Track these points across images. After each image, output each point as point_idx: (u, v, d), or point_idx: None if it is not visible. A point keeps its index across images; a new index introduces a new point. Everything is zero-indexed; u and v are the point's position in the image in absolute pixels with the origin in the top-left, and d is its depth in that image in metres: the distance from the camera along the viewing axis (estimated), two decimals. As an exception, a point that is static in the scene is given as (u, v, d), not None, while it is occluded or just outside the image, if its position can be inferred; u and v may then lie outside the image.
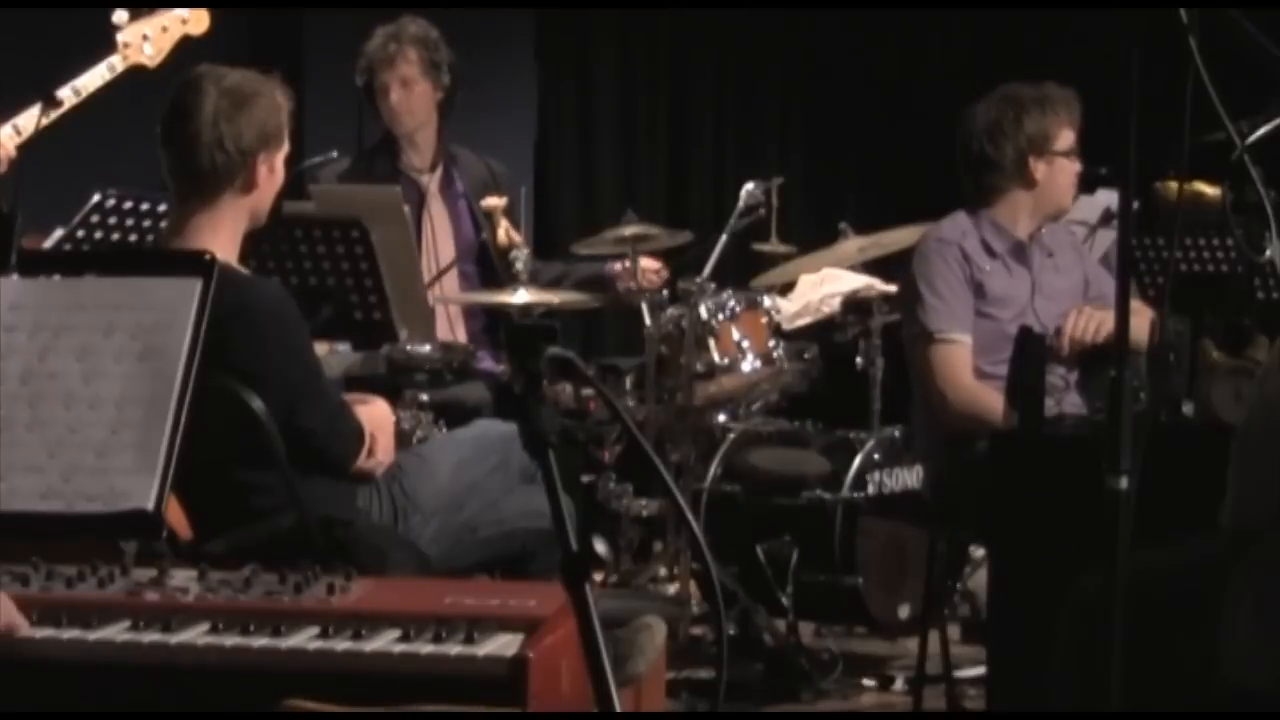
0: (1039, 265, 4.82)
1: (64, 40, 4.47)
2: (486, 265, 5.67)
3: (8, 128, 4.14)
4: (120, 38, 4.27)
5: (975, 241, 4.77)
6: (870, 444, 5.40)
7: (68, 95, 4.19)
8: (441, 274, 5.59)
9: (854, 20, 7.89)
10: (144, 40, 4.26)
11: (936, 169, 5.72)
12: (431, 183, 5.72)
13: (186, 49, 4.31)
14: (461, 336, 5.63)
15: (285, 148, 3.69)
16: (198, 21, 4.35)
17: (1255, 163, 3.05)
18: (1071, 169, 4.80)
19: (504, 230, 5.42)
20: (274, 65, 3.79)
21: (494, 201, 5.47)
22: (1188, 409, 4.05)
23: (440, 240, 5.69)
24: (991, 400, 4.45)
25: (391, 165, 5.68)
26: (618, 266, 5.71)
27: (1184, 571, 3.32)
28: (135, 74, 4.31)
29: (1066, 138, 4.76)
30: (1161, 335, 3.83)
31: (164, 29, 4.30)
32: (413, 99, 5.63)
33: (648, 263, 5.65)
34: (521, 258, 5.36)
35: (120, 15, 4.27)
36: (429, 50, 5.61)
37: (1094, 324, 4.66)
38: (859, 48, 8.07)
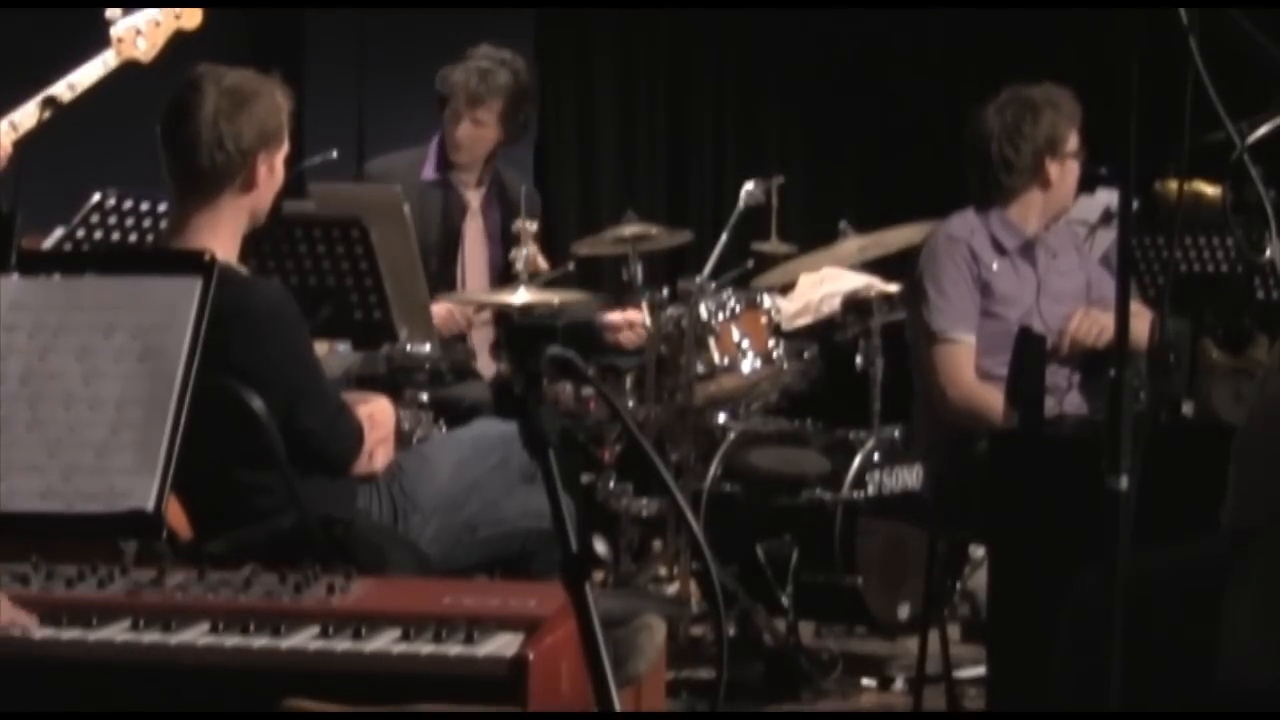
0: (1044, 266, 4.82)
1: (58, 37, 4.47)
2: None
3: (4, 124, 4.15)
4: (114, 33, 4.27)
5: (984, 239, 4.77)
6: (870, 444, 5.40)
7: (63, 91, 4.20)
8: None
9: (854, 20, 7.89)
10: (137, 35, 4.27)
11: (936, 168, 5.73)
12: (475, 199, 5.77)
13: (187, 49, 4.31)
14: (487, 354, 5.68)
15: (285, 148, 3.69)
16: (190, 17, 4.36)
17: (1255, 163, 3.05)
18: (1076, 169, 4.83)
19: (532, 254, 5.43)
20: (274, 65, 3.79)
21: (522, 225, 5.50)
22: (1188, 409, 4.05)
23: (471, 255, 5.73)
24: (992, 399, 4.45)
25: (443, 173, 5.73)
26: (614, 317, 5.73)
27: (1184, 571, 3.32)
28: (133, 73, 4.31)
29: (1074, 138, 4.79)
30: (1161, 335, 3.83)
31: (157, 24, 4.31)
32: (478, 139, 5.71)
33: (633, 315, 5.65)
34: (521, 258, 5.37)
35: (114, 12, 4.28)
36: (513, 104, 5.66)
37: (1097, 328, 4.66)
38: (859, 48, 8.07)
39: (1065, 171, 4.80)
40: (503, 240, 5.76)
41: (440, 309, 5.46)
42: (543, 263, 5.53)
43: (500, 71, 5.65)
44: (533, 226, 5.48)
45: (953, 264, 4.73)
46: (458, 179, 5.77)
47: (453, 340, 5.53)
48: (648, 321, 5.46)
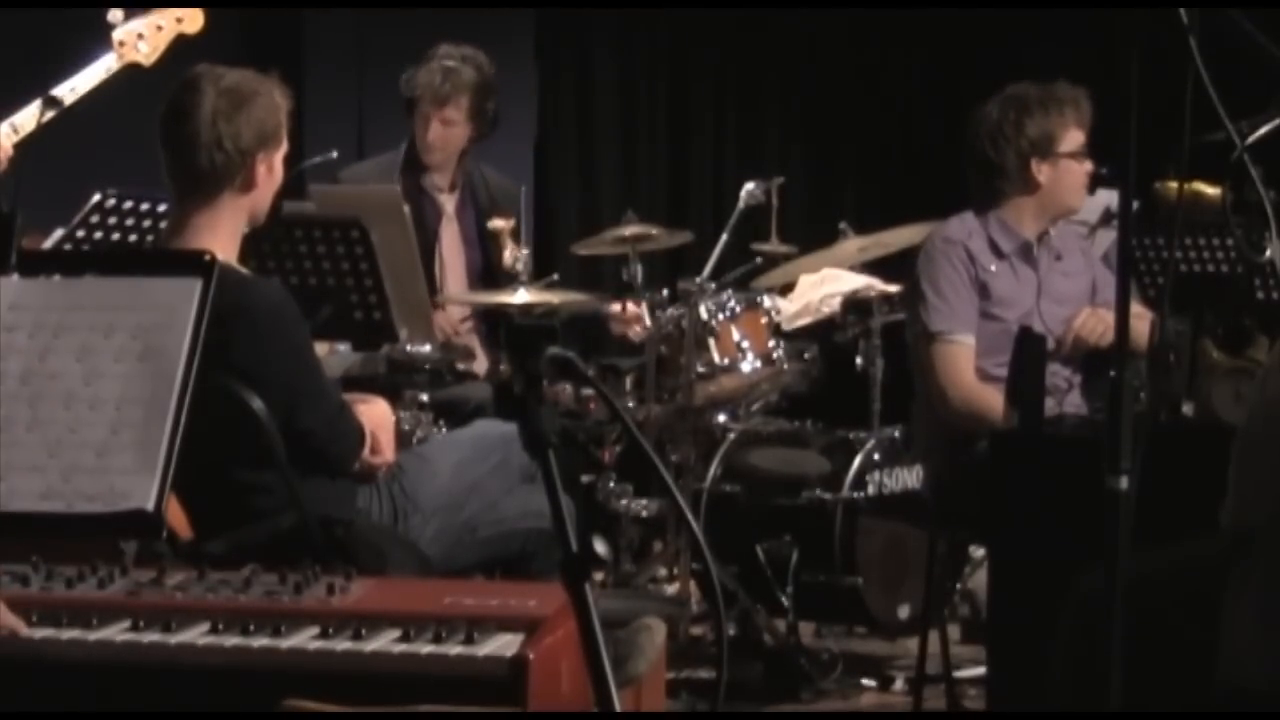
0: (1046, 267, 4.80)
1: (60, 39, 4.47)
2: (491, 286, 5.69)
3: (5, 126, 4.16)
4: (116, 36, 4.29)
5: (982, 241, 4.76)
6: (870, 444, 5.40)
7: (65, 94, 4.21)
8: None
9: (854, 20, 7.89)
10: (139, 39, 4.28)
11: (937, 169, 5.73)
12: (449, 203, 5.77)
13: (186, 49, 4.31)
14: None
15: (284, 147, 3.69)
16: (192, 20, 4.37)
17: (1255, 163, 3.05)
18: (1079, 170, 4.75)
19: (509, 252, 5.43)
20: (273, 65, 3.79)
21: (501, 223, 5.50)
22: (1188, 409, 4.05)
23: (450, 259, 5.73)
24: (992, 400, 4.45)
25: (416, 179, 5.73)
26: (615, 308, 5.74)
27: (1184, 571, 3.32)
28: (133, 73, 4.31)
29: (1073, 139, 4.73)
30: (1161, 335, 3.83)
31: (159, 27, 4.32)
32: (449, 138, 5.71)
33: (634, 310, 5.66)
34: (523, 258, 5.37)
35: (115, 14, 4.29)
36: (480, 98, 5.66)
37: (1102, 326, 4.65)
38: (859, 48, 8.07)
39: (1059, 173, 4.73)
40: (479, 242, 5.76)
41: None
42: (521, 252, 5.51)
43: (464, 68, 5.65)
44: (509, 224, 5.48)
45: (950, 265, 4.72)
46: (431, 184, 5.77)
47: (454, 342, 5.53)
48: (648, 321, 5.47)
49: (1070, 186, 4.78)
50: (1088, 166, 4.76)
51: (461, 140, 5.73)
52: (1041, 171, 4.72)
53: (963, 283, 4.71)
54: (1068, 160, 4.73)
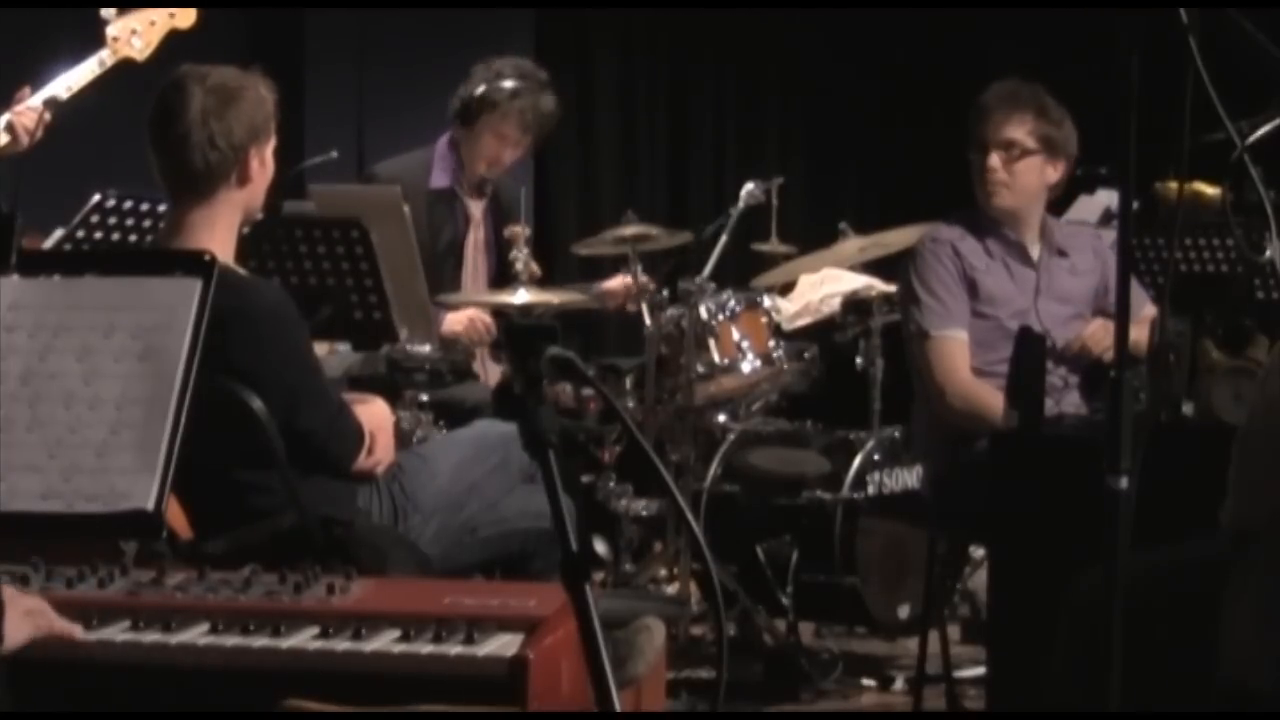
0: (1045, 265, 4.80)
1: (54, 38, 4.48)
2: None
3: (4, 119, 4.18)
4: (109, 32, 4.30)
5: (974, 242, 4.76)
6: (870, 444, 5.40)
7: (60, 91, 4.23)
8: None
9: (855, 21, 7.90)
10: (132, 35, 4.30)
11: (937, 169, 5.72)
12: (477, 209, 5.77)
13: (187, 50, 4.32)
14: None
15: (274, 140, 3.69)
16: (184, 15, 4.38)
17: (1255, 163, 3.05)
18: (980, 169, 4.71)
19: (523, 259, 5.43)
20: (273, 65, 3.79)
21: (518, 229, 5.50)
22: (1188, 409, 4.05)
23: (473, 265, 5.74)
24: (990, 396, 4.46)
25: (451, 183, 5.74)
26: (609, 285, 5.75)
27: (1184, 571, 3.32)
28: (133, 74, 4.32)
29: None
30: (1161, 335, 3.83)
31: (151, 23, 4.33)
32: (503, 160, 5.68)
33: (625, 281, 5.68)
34: (521, 258, 5.37)
35: (108, 11, 4.30)
36: (546, 129, 5.66)
37: (1109, 341, 4.64)
38: (859, 48, 8.08)
39: (981, 168, 4.72)
40: (496, 248, 5.77)
41: (461, 316, 5.48)
42: (535, 268, 5.53)
43: (544, 103, 5.63)
44: (524, 231, 5.49)
45: (938, 263, 4.74)
46: (461, 188, 5.76)
47: (455, 342, 5.53)
48: (642, 278, 5.48)
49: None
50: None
51: (511, 162, 5.76)
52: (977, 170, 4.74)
53: (952, 279, 4.72)
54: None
